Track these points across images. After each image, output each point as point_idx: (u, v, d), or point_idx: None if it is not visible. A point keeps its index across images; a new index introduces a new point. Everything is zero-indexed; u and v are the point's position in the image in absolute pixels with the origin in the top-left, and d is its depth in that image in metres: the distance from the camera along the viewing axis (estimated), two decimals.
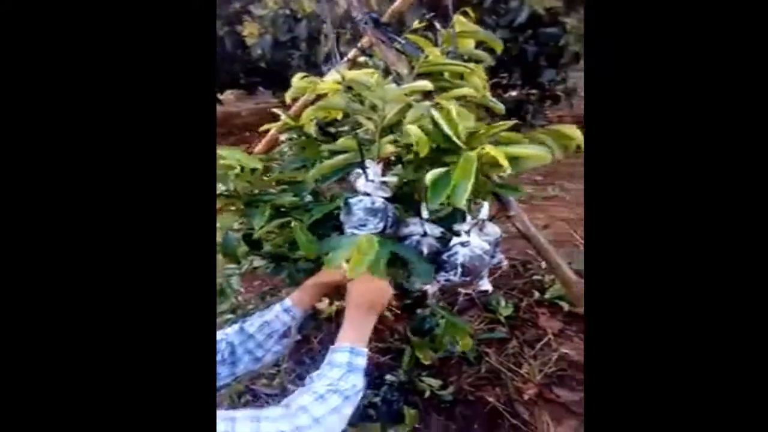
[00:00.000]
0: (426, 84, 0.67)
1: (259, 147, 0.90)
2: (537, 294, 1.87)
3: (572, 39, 3.10)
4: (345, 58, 0.81)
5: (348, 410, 0.69)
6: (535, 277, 1.95)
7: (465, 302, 1.84)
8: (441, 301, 1.65)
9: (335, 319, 1.76)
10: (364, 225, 0.84)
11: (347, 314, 0.81)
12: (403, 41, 0.77)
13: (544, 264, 2.00)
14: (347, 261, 0.78)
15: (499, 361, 1.66)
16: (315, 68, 2.78)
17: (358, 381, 0.72)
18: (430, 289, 1.16)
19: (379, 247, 0.78)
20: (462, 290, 1.88)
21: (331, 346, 0.76)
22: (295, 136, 0.91)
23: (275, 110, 0.89)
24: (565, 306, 1.78)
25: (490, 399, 1.54)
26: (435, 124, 0.69)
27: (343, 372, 0.71)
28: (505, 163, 0.63)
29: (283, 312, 0.89)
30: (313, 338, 1.75)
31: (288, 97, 0.87)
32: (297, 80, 0.84)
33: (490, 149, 0.65)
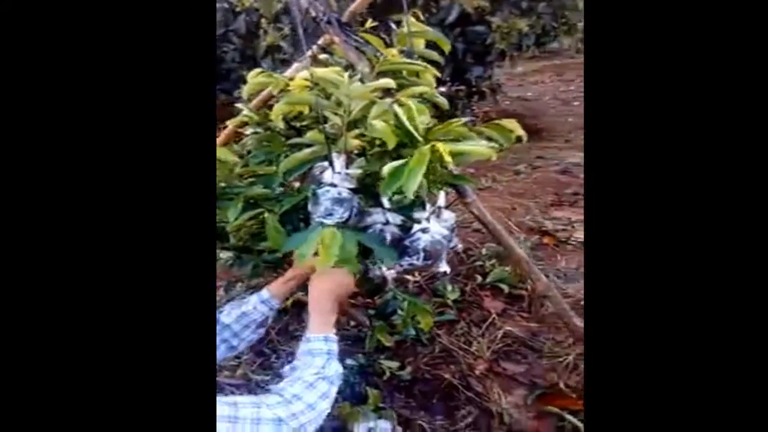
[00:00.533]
0: (389, 82, 0.72)
1: (220, 140, 0.91)
2: (480, 278, 2.02)
3: (498, 37, 3.28)
4: (306, 55, 0.84)
5: (334, 393, 0.76)
6: (477, 263, 2.10)
7: (415, 288, 1.93)
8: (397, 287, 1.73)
9: (290, 310, 1.78)
10: (330, 215, 0.88)
11: (313, 305, 0.86)
12: (362, 41, 0.81)
13: (484, 251, 2.15)
14: (316, 254, 0.82)
15: (450, 341, 1.77)
16: (249, 62, 2.72)
17: (338, 366, 0.79)
18: (390, 274, 1.23)
19: (343, 238, 0.83)
20: (411, 277, 1.97)
21: (306, 336, 0.81)
22: (259, 130, 0.93)
23: (239, 105, 0.90)
24: (506, 288, 1.94)
25: (446, 376, 1.65)
26: (397, 119, 0.74)
27: (326, 359, 0.77)
28: (448, 158, 0.70)
29: (261, 303, 0.92)
30: (271, 329, 1.75)
31: (245, 92, 0.88)
32: (253, 76, 0.86)
33: (439, 145, 0.72)
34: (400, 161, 0.71)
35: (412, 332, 1.64)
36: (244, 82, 0.86)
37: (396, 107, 0.73)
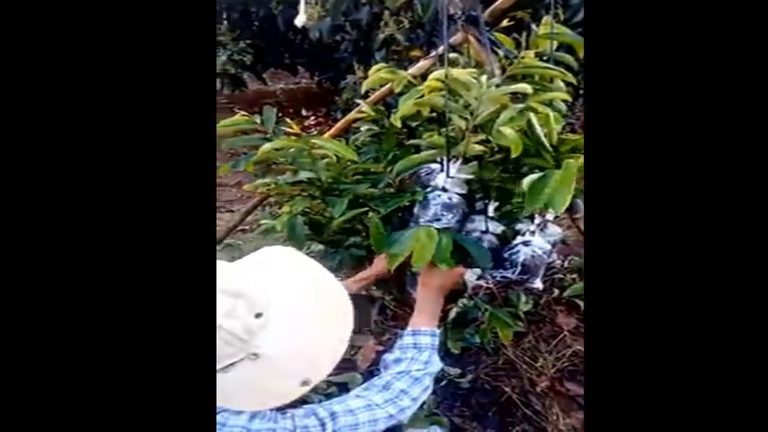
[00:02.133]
0: (525, 87, 0.67)
1: (330, 132, 0.89)
2: (557, 292, 1.91)
3: None
4: (435, 53, 0.80)
5: (431, 386, 0.77)
6: (555, 276, 1.99)
7: (485, 296, 1.86)
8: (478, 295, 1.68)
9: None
10: (438, 220, 0.84)
11: (421, 299, 0.85)
12: (497, 41, 0.76)
13: (566, 264, 2.04)
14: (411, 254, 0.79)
15: (516, 354, 1.70)
16: (361, 54, 2.72)
17: (439, 360, 0.80)
18: (471, 282, 1.18)
19: (439, 237, 0.79)
20: (484, 284, 1.91)
21: (411, 329, 0.81)
22: (373, 127, 0.90)
23: (360, 101, 0.88)
24: (582, 305, 1.82)
25: (506, 389, 1.58)
26: (530, 126, 0.69)
27: (430, 354, 0.78)
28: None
29: None
30: None
31: (365, 86, 0.86)
32: (375, 71, 0.83)
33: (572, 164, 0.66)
34: (539, 174, 0.65)
35: (477, 340, 1.58)
36: (352, 72, 0.84)
37: (531, 115, 0.67)
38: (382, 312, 1.76)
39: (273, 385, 0.62)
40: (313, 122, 3.73)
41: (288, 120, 0.78)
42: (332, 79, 3.48)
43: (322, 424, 0.65)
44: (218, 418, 0.61)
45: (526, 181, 0.63)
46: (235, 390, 0.60)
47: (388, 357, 0.80)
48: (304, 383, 0.63)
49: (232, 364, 0.59)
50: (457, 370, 1.59)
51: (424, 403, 1.39)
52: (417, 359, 0.76)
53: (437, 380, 1.55)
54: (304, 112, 4.05)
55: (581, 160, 0.61)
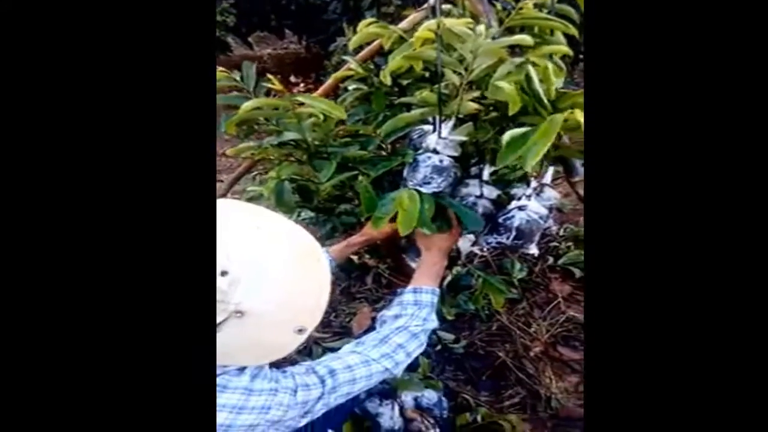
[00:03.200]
0: (525, 38, 0.62)
1: (317, 93, 0.84)
2: (551, 260, 1.91)
3: None
4: (427, 4, 0.74)
5: (425, 343, 0.79)
6: (551, 244, 1.98)
7: (480, 263, 1.86)
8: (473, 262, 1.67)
9: (355, 273, 1.76)
10: (428, 183, 0.81)
11: (424, 260, 0.86)
12: None
13: (562, 231, 2.03)
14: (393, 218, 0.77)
15: (510, 321, 1.71)
16: (352, 14, 2.58)
17: (436, 319, 0.82)
18: (464, 248, 1.16)
19: (421, 201, 0.76)
20: (478, 251, 1.90)
21: (413, 287, 0.81)
22: (362, 86, 0.85)
23: (346, 57, 0.82)
24: (577, 272, 1.82)
25: (500, 354, 1.60)
26: (528, 81, 0.64)
27: (429, 311, 0.79)
28: (581, 129, 0.60)
29: None
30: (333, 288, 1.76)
31: (353, 43, 0.80)
32: (364, 26, 0.77)
33: (578, 114, 0.62)
34: (525, 129, 0.61)
35: (471, 307, 1.58)
36: (342, 34, 0.78)
37: (529, 68, 0.62)
38: (376, 280, 1.76)
39: (268, 338, 0.62)
40: (302, 89, 3.61)
41: (270, 76, 0.73)
42: (321, 42, 3.34)
43: (322, 381, 0.67)
44: (219, 380, 0.61)
45: (507, 135, 0.59)
46: (232, 348, 0.60)
47: (387, 313, 0.80)
48: (300, 331, 0.63)
49: (218, 325, 0.58)
50: (451, 336, 1.61)
51: (418, 366, 1.42)
52: (416, 315, 0.77)
53: (432, 345, 1.58)
54: (293, 79, 3.92)
55: (573, 114, 0.58)
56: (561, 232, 2.03)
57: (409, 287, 0.82)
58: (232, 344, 0.59)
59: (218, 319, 0.58)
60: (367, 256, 1.31)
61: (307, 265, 0.64)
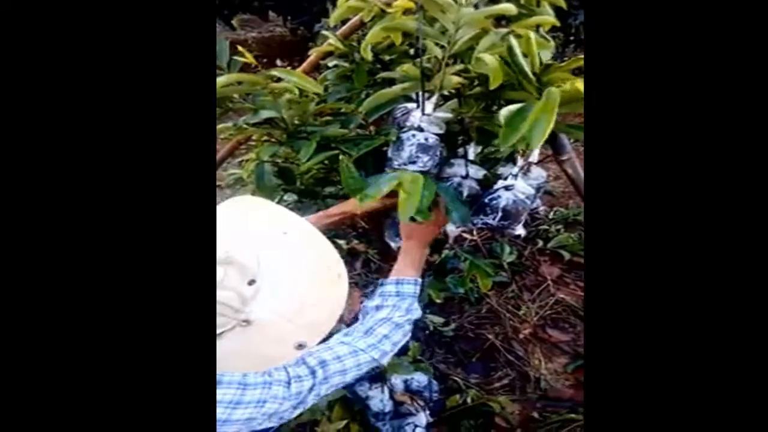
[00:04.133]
0: (509, 7, 0.59)
1: (300, 69, 0.80)
2: (541, 243, 1.91)
3: None
4: None
5: (411, 332, 0.78)
6: (541, 227, 1.98)
7: (469, 247, 1.85)
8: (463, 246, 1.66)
9: (344, 258, 1.74)
10: (413, 162, 0.78)
11: (405, 249, 0.84)
12: None
13: (551, 215, 2.02)
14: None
15: (499, 303, 1.71)
16: None
17: (419, 308, 0.80)
18: (452, 231, 1.14)
19: (423, 187, 0.74)
20: (468, 235, 1.89)
21: (395, 278, 0.79)
22: (343, 63, 0.81)
23: (326, 33, 0.78)
24: (567, 255, 1.83)
25: (489, 336, 1.61)
26: (511, 53, 0.62)
27: (411, 302, 0.78)
28: (579, 102, 0.58)
29: None
30: None
31: (333, 18, 0.76)
32: (344, 0, 0.73)
33: (578, 84, 0.59)
34: (519, 105, 0.59)
35: (461, 290, 1.58)
36: (327, 15, 0.74)
37: (511, 39, 0.60)
38: (366, 265, 1.75)
39: (267, 350, 0.59)
40: None
41: (241, 48, 0.69)
42: (306, 23, 3.25)
43: (313, 373, 0.67)
44: None
45: (504, 113, 0.56)
46: (228, 357, 0.57)
47: (369, 304, 0.79)
48: (300, 346, 0.59)
49: (221, 333, 0.55)
50: (441, 319, 1.60)
51: (408, 350, 1.42)
52: (399, 307, 0.76)
53: (421, 329, 1.58)
54: (278, 62, 3.84)
55: (573, 84, 0.55)
56: (551, 215, 2.03)
57: (391, 278, 0.80)
58: (227, 353, 0.56)
59: (222, 329, 0.55)
60: (355, 241, 1.29)
61: (326, 279, 0.61)
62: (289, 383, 0.64)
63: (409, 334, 0.77)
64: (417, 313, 0.78)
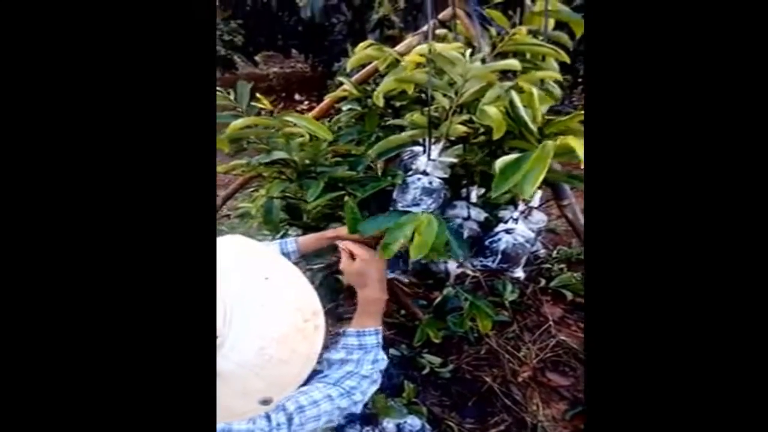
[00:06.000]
0: (514, 63, 0.62)
1: (312, 113, 0.83)
2: (543, 282, 1.88)
3: None
4: (423, 29, 0.74)
5: (380, 379, 0.79)
6: (543, 266, 1.96)
7: (471, 284, 1.83)
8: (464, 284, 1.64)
9: (344, 294, 1.73)
10: (417, 204, 0.80)
11: (363, 296, 0.81)
12: (488, 17, 0.71)
13: (554, 254, 2.01)
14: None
15: (499, 344, 1.67)
16: (356, 36, 2.62)
17: (385, 356, 0.80)
18: (453, 270, 1.14)
19: (438, 227, 0.75)
20: (471, 273, 1.88)
21: (356, 330, 0.78)
22: (356, 107, 0.84)
23: (341, 78, 0.82)
24: (569, 295, 1.80)
25: (487, 379, 1.56)
26: (512, 106, 0.64)
27: (376, 352, 0.77)
28: (581, 155, 0.59)
29: (282, 254, 0.84)
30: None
31: (350, 64, 0.80)
32: (361, 48, 0.77)
33: (571, 140, 0.61)
34: (515, 155, 0.60)
35: (460, 330, 1.55)
36: (346, 55, 0.78)
37: (513, 93, 0.62)
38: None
39: (230, 403, 0.55)
40: (305, 107, 3.64)
41: (259, 95, 0.72)
42: (325, 62, 3.39)
43: (290, 419, 0.66)
44: None
45: (499, 162, 0.58)
46: None
47: (333, 356, 0.77)
48: (265, 402, 0.56)
49: None
50: (439, 360, 1.56)
51: (402, 391, 1.38)
52: (365, 359, 0.76)
53: (418, 369, 1.54)
54: (297, 97, 3.96)
55: (564, 140, 0.57)
56: (554, 254, 2.02)
57: (352, 329, 0.78)
58: None
59: None
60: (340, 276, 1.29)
61: (303, 332, 0.57)
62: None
63: (378, 381, 0.77)
64: (383, 362, 0.78)
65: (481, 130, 0.74)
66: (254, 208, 0.81)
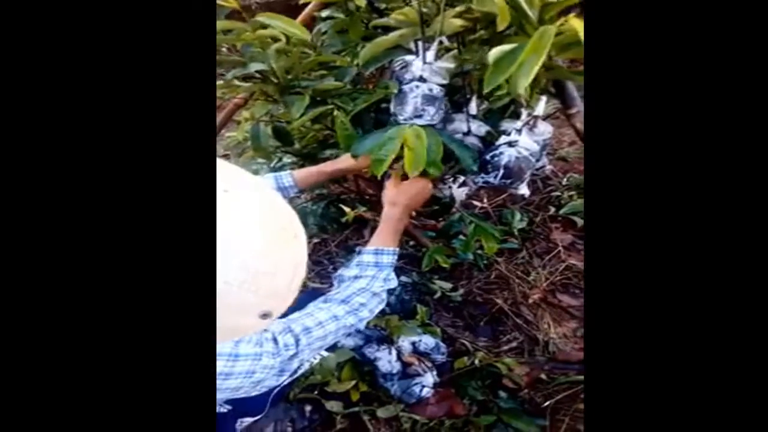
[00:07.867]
0: None
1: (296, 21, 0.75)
2: (552, 209, 1.83)
3: None
4: None
5: (386, 299, 0.79)
6: (553, 194, 1.90)
7: (480, 214, 1.80)
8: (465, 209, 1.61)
9: (351, 224, 1.73)
10: (420, 116, 0.73)
11: (388, 214, 0.80)
12: None
13: (564, 180, 1.93)
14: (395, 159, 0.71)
15: (508, 269, 1.67)
16: None
17: (396, 278, 0.79)
18: (458, 195, 1.09)
19: (428, 137, 0.69)
20: (478, 203, 1.83)
21: (374, 248, 0.77)
22: (338, 15, 0.76)
23: None
24: (579, 222, 1.75)
25: (498, 301, 1.58)
26: None
27: (389, 272, 0.76)
28: (580, 37, 0.51)
29: (277, 189, 0.81)
30: (330, 241, 1.73)
31: None
32: None
33: (574, 22, 0.53)
34: (512, 45, 0.53)
35: (470, 256, 1.54)
36: None
37: None
38: (374, 233, 1.72)
39: (231, 321, 0.53)
40: None
41: None
42: None
43: (297, 341, 0.67)
44: None
45: (494, 52, 0.50)
46: None
47: (346, 273, 0.77)
48: (265, 315, 0.54)
49: None
50: (449, 285, 1.58)
51: (416, 314, 1.41)
52: (377, 277, 0.75)
53: (430, 293, 1.56)
54: None
55: (567, 23, 0.49)
56: (564, 181, 1.94)
57: (370, 247, 0.77)
58: None
59: None
60: (363, 209, 1.26)
61: (281, 240, 0.53)
62: (277, 354, 0.64)
63: (386, 301, 0.77)
64: (394, 282, 0.78)
65: (479, 25, 0.66)
66: (241, 134, 0.76)
